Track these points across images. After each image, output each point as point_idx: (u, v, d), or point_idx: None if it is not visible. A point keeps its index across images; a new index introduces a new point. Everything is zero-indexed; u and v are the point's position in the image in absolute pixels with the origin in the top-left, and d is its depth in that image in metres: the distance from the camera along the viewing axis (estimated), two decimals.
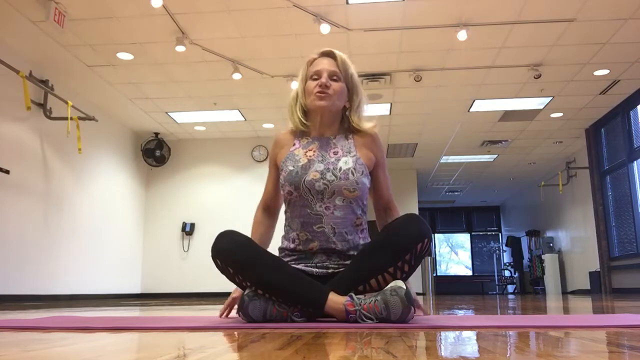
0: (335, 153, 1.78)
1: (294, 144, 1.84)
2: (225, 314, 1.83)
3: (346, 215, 1.72)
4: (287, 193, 1.75)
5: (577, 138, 8.71)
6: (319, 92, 1.75)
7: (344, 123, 1.86)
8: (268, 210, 1.92)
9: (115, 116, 7.52)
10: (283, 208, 1.85)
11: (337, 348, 0.97)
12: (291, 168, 1.76)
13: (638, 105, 6.94)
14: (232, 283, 1.68)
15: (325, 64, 1.79)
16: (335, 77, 1.78)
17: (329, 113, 1.80)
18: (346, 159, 1.75)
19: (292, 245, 1.74)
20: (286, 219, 1.81)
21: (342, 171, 1.72)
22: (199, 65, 5.87)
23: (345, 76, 1.79)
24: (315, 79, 1.78)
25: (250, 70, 5.94)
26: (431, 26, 5.05)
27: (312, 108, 1.79)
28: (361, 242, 1.74)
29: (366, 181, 1.75)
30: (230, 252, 1.61)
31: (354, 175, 1.72)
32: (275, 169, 1.88)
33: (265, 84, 6.35)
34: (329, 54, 1.82)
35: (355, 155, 1.77)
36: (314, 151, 1.79)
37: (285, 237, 1.79)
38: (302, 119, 1.83)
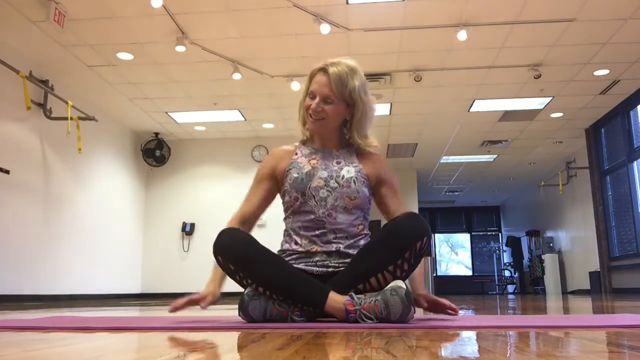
0: (338, 163, 1.82)
1: (296, 153, 1.87)
2: (175, 308, 1.62)
3: (348, 221, 1.74)
4: (293, 199, 1.77)
5: (577, 138, 8.71)
6: (310, 114, 1.78)
7: (346, 135, 1.87)
8: (244, 223, 1.81)
9: (115, 116, 7.52)
10: (282, 216, 1.85)
11: (337, 348, 0.97)
12: (296, 175, 1.78)
13: (638, 105, 6.94)
14: (232, 282, 1.69)
15: (321, 84, 1.75)
16: (329, 100, 1.75)
17: (324, 130, 1.82)
18: (348, 169, 1.79)
19: (293, 247, 1.76)
20: (286, 225, 1.83)
21: (344, 179, 1.76)
22: (199, 65, 5.87)
23: (341, 94, 1.74)
24: (311, 97, 1.78)
25: (250, 70, 5.94)
26: (431, 26, 5.05)
27: (308, 127, 1.84)
28: (361, 245, 1.76)
29: (367, 191, 1.79)
30: (232, 248, 1.62)
31: (355, 184, 1.76)
32: (269, 181, 1.84)
33: (265, 84, 6.35)
34: (326, 72, 1.75)
35: (358, 166, 1.81)
36: (317, 160, 1.82)
37: (286, 241, 1.81)
38: (303, 129, 1.88)
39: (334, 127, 1.82)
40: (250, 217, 1.83)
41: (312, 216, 1.74)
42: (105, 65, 5.87)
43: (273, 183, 1.85)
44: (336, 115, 1.78)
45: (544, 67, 5.94)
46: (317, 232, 1.73)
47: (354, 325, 1.44)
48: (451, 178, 12.11)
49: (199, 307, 1.66)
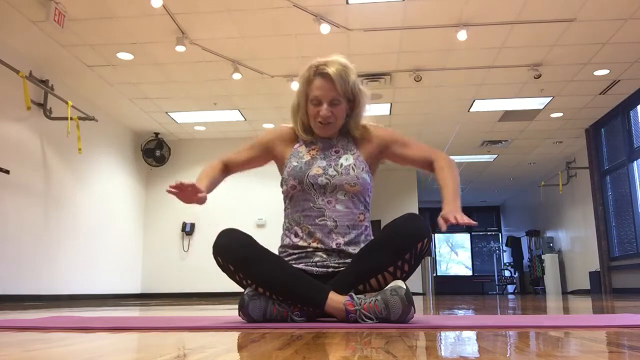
0: (337, 152, 1.82)
1: (298, 142, 1.87)
2: (176, 186, 1.68)
3: (347, 209, 1.74)
4: (290, 187, 1.77)
5: (577, 138, 8.71)
6: (321, 122, 1.76)
7: (344, 127, 1.88)
8: (226, 165, 1.91)
9: (115, 116, 7.52)
10: (282, 206, 1.85)
11: (337, 348, 0.97)
12: (295, 164, 1.79)
13: (638, 105, 6.94)
14: (232, 282, 1.69)
15: (325, 89, 1.73)
16: (335, 102, 1.75)
17: (331, 133, 1.83)
18: (347, 156, 1.80)
19: (294, 240, 1.75)
20: (286, 216, 1.83)
21: (343, 167, 1.77)
22: (199, 65, 5.87)
23: (344, 92, 1.75)
24: (316, 104, 1.75)
25: (250, 70, 5.94)
26: (431, 26, 5.05)
27: (315, 132, 1.82)
28: (362, 238, 1.75)
29: (367, 177, 1.79)
30: (232, 249, 1.62)
31: (354, 170, 1.76)
32: (261, 150, 1.89)
33: (265, 84, 6.35)
34: (326, 77, 1.73)
35: (356, 153, 1.82)
36: (317, 150, 1.83)
37: (285, 234, 1.80)
38: (303, 133, 1.84)
39: (339, 126, 1.82)
40: (231, 166, 1.92)
41: (311, 204, 1.74)
42: (105, 65, 5.87)
43: (262, 155, 1.89)
44: (343, 115, 1.80)
45: (544, 67, 5.93)
46: (317, 221, 1.72)
47: (354, 325, 1.43)
48: None
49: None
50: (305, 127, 1.84)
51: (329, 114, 1.74)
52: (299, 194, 1.76)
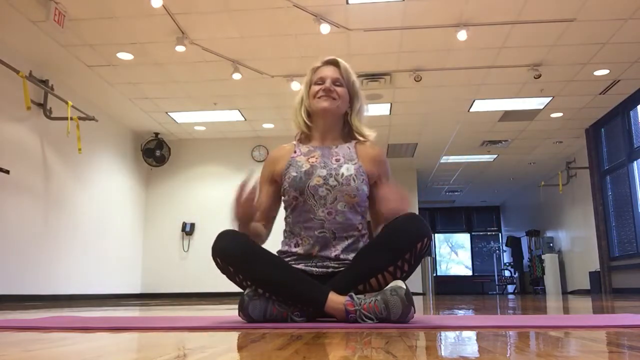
0: (337, 160, 1.81)
1: (295, 152, 1.87)
2: (241, 194, 1.64)
3: (347, 220, 1.74)
4: (292, 198, 1.77)
5: (577, 138, 8.71)
6: (322, 95, 1.82)
7: (345, 128, 1.91)
8: (262, 221, 1.83)
9: (115, 116, 7.52)
10: (283, 214, 1.85)
11: (337, 348, 0.97)
12: (294, 174, 1.78)
13: (638, 105, 6.94)
14: (229, 283, 1.69)
15: (329, 72, 1.86)
16: (338, 83, 1.85)
17: (332, 116, 1.85)
18: (348, 166, 1.79)
19: (293, 249, 1.76)
20: (287, 225, 1.82)
21: (344, 177, 1.76)
22: (199, 65, 5.87)
23: (347, 83, 1.86)
24: (319, 84, 1.84)
25: (250, 70, 5.94)
26: (431, 26, 5.05)
27: (316, 110, 1.84)
28: (360, 245, 1.76)
29: (365, 189, 1.78)
30: (231, 251, 1.62)
31: (355, 182, 1.75)
32: (270, 185, 1.85)
33: (265, 84, 6.35)
34: (333, 63, 1.88)
35: (357, 163, 1.81)
36: (317, 158, 1.82)
37: (286, 242, 1.80)
38: (306, 121, 1.88)
39: (339, 115, 1.86)
40: (263, 217, 1.83)
41: (312, 216, 1.73)
42: (105, 65, 5.87)
43: (275, 186, 1.86)
44: (345, 99, 1.85)
45: (544, 67, 5.93)
46: (316, 233, 1.72)
47: (354, 325, 1.43)
48: (451, 178, 12.11)
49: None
50: (307, 116, 1.88)
51: (331, 88, 1.82)
52: (301, 205, 1.76)
